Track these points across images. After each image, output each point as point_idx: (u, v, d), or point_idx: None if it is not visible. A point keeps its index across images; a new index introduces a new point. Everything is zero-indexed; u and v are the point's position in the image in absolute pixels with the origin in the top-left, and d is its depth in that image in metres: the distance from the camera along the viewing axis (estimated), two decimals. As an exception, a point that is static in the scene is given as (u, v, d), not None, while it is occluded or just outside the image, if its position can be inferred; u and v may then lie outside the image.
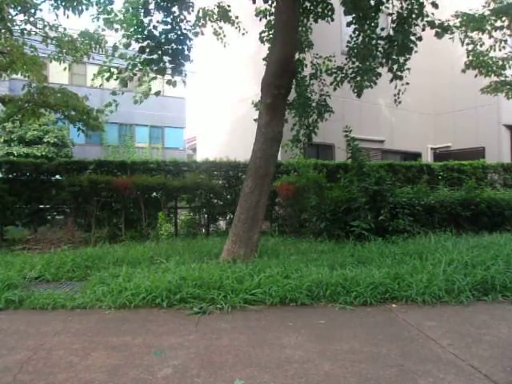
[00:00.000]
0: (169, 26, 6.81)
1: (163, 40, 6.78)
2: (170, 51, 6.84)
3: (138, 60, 7.21)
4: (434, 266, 4.69)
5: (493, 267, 4.58)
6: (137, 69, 7.40)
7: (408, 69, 7.49)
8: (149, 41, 6.75)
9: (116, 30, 7.42)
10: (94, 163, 8.48)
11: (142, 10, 6.73)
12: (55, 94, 8.53)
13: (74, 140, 18.05)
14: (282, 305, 4.06)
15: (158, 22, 6.82)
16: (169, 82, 7.10)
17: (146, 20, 6.84)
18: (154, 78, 7.43)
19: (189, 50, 7.04)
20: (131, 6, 6.99)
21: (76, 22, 17.05)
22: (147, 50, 6.79)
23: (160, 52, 6.79)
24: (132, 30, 7.07)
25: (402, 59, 7.40)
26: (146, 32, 6.76)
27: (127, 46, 7.13)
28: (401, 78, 7.55)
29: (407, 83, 7.62)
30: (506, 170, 11.03)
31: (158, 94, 7.42)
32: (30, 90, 8.56)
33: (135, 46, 7.17)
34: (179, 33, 6.88)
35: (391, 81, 7.63)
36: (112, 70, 7.49)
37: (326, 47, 9.45)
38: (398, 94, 7.85)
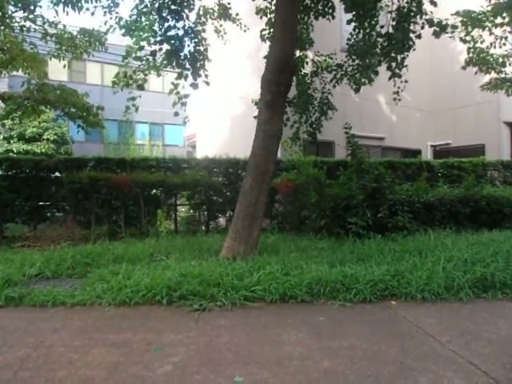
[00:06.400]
0: (181, 31, 6.78)
1: (177, 43, 6.71)
2: (188, 54, 6.78)
3: (158, 61, 7.08)
4: (434, 263, 4.69)
5: (492, 264, 4.59)
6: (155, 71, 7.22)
7: (406, 66, 7.48)
8: (165, 45, 6.69)
9: (135, 40, 7.19)
10: (93, 160, 8.46)
11: (157, 17, 6.65)
12: (54, 91, 8.50)
13: (74, 137, 18.01)
14: (282, 302, 4.06)
15: (169, 26, 6.76)
16: (192, 85, 6.95)
17: (158, 24, 6.76)
18: (176, 87, 7.19)
19: (206, 50, 6.98)
20: (143, 14, 6.87)
21: (77, 20, 16.95)
22: (162, 54, 6.73)
23: (176, 56, 6.72)
24: (147, 35, 6.96)
25: (400, 57, 7.38)
26: (159, 37, 6.69)
27: (140, 49, 7.03)
28: (399, 75, 7.53)
29: (406, 81, 7.60)
30: (506, 168, 10.99)
31: (186, 97, 7.07)
32: (29, 87, 8.53)
33: (148, 48, 7.07)
34: (193, 36, 6.83)
35: (390, 78, 7.62)
36: (128, 73, 7.34)
37: (326, 44, 9.42)
38: (398, 92, 7.82)
